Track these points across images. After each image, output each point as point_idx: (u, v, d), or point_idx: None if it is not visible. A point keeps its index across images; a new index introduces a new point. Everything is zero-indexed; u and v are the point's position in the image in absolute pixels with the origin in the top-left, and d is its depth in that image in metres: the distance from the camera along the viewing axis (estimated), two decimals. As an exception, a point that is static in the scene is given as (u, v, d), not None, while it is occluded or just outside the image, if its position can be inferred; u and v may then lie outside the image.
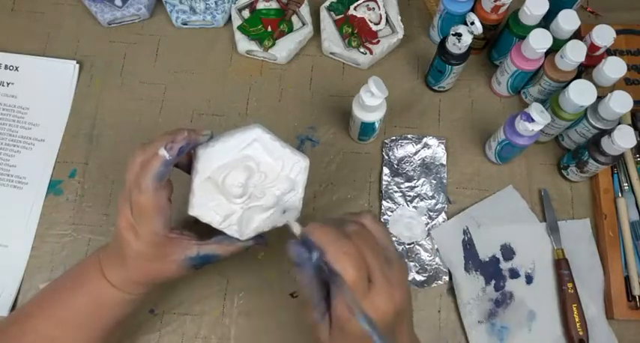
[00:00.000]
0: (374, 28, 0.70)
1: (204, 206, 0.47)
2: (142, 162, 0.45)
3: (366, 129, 0.63)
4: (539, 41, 0.59)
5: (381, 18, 0.70)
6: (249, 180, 0.47)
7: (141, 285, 0.49)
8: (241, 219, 0.48)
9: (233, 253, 0.50)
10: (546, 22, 0.63)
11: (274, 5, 0.71)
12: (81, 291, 0.49)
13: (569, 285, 0.61)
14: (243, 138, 0.47)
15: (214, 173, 0.47)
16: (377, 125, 0.63)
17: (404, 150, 0.68)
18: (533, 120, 0.57)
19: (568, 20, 0.61)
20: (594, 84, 0.58)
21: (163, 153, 0.44)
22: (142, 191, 0.44)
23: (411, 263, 0.63)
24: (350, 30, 0.70)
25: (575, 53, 0.59)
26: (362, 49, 0.70)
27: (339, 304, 0.39)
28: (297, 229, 0.43)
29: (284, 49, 0.70)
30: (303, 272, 0.40)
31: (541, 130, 0.59)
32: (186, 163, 0.49)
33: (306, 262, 0.40)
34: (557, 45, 0.61)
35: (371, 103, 0.58)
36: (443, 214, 0.65)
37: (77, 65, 0.71)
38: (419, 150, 0.68)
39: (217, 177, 0.47)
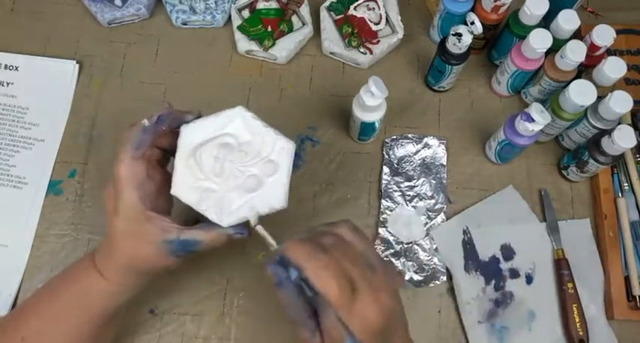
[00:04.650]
0: (374, 28, 0.70)
1: (185, 185, 0.46)
2: (125, 137, 0.46)
3: (366, 129, 0.63)
4: (539, 41, 0.59)
5: (381, 18, 0.70)
6: (227, 155, 0.46)
7: (127, 272, 0.48)
8: (221, 202, 0.46)
9: (214, 241, 0.47)
10: (546, 22, 0.63)
11: (274, 5, 0.71)
12: (71, 283, 0.49)
13: (570, 285, 0.61)
14: (225, 116, 0.47)
15: (194, 149, 0.46)
16: (377, 125, 0.63)
17: (404, 149, 0.68)
18: (533, 120, 0.57)
19: (568, 20, 0.61)
20: (594, 84, 0.58)
21: (144, 121, 0.45)
22: (120, 159, 0.45)
23: (409, 263, 0.63)
24: (350, 30, 0.70)
25: (575, 53, 0.59)
26: (362, 49, 0.70)
27: (327, 322, 0.38)
28: (270, 240, 0.43)
29: (284, 48, 0.70)
30: (285, 291, 0.40)
31: (541, 130, 0.59)
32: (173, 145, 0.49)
33: (285, 281, 0.39)
34: (557, 45, 0.61)
35: (371, 103, 0.58)
36: (442, 214, 0.65)
37: (77, 65, 0.70)
38: (419, 150, 0.68)
39: (196, 153, 0.46)
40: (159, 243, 0.46)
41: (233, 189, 0.46)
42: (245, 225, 0.47)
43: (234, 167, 0.46)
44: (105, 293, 0.48)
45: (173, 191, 0.46)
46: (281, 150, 0.46)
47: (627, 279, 0.62)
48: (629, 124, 0.65)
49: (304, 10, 0.72)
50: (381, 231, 0.64)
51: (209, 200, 0.46)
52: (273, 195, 0.46)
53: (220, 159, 0.46)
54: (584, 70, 0.63)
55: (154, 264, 0.47)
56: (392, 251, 0.63)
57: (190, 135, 0.46)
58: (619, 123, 0.59)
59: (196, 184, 0.46)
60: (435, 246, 0.64)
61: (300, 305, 0.40)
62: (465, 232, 0.64)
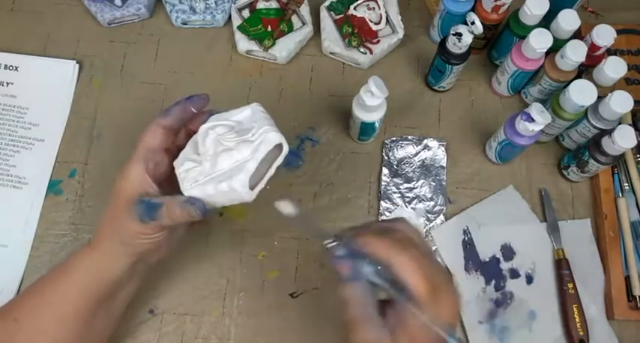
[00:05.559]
0: (374, 27, 0.70)
1: (182, 157, 0.48)
2: None
3: (366, 129, 0.63)
4: (539, 41, 0.59)
5: (381, 18, 0.70)
6: (219, 130, 0.46)
7: (109, 238, 0.48)
8: (193, 169, 0.47)
9: (170, 210, 0.45)
10: (546, 21, 0.63)
11: (274, 5, 0.71)
12: (65, 265, 0.50)
13: (570, 285, 0.61)
14: (242, 109, 0.49)
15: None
16: (377, 125, 0.63)
17: (404, 151, 0.68)
18: (533, 120, 0.57)
19: (568, 20, 0.61)
20: (595, 84, 0.58)
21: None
22: (147, 127, 0.48)
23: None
24: (350, 30, 0.70)
25: (575, 53, 0.59)
26: (362, 49, 0.70)
27: (407, 319, 0.36)
28: (324, 232, 0.41)
29: (284, 48, 0.70)
30: (357, 287, 0.37)
31: (541, 130, 0.59)
32: None
33: (360, 277, 0.37)
34: (558, 45, 0.61)
35: (371, 103, 0.58)
36: (441, 216, 0.65)
37: (77, 65, 0.70)
38: (419, 152, 0.68)
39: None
40: (133, 200, 0.46)
41: (208, 160, 0.47)
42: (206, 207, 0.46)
43: (217, 139, 0.47)
44: (93, 265, 0.49)
45: (174, 162, 0.48)
46: (264, 136, 0.46)
47: (627, 279, 0.62)
48: (630, 124, 0.65)
49: (304, 9, 0.72)
50: (381, 231, 0.64)
51: (187, 166, 0.47)
52: (237, 176, 0.45)
53: (211, 132, 0.47)
54: (585, 70, 0.63)
55: (124, 227, 0.47)
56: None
57: (208, 121, 0.49)
58: (619, 123, 0.59)
59: (188, 155, 0.48)
60: (434, 247, 0.64)
61: (371, 303, 0.38)
62: (465, 232, 0.64)
